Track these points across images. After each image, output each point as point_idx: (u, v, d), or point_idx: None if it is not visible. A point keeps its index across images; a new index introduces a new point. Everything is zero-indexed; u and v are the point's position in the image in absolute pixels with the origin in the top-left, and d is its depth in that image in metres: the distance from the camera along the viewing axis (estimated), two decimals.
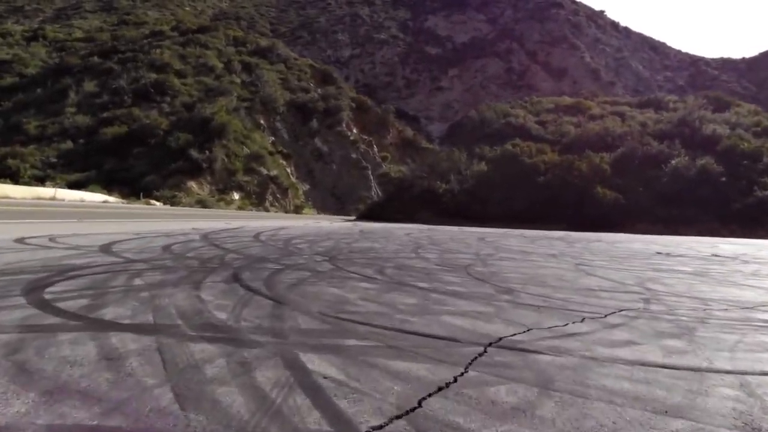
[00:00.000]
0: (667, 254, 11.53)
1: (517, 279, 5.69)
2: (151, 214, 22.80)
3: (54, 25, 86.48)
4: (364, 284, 4.68)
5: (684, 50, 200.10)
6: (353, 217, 40.97)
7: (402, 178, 38.11)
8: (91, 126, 52.25)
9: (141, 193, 37.80)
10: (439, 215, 34.84)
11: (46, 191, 29.14)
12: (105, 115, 53.55)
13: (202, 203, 41.18)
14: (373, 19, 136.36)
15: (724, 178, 32.09)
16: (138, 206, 33.39)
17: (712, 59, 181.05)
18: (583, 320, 3.39)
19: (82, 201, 30.57)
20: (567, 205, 33.10)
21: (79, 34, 79.01)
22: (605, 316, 3.62)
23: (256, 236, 11.81)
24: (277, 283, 4.35)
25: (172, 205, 39.22)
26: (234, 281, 4.26)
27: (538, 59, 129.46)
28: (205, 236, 10.42)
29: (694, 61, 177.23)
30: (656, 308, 4.12)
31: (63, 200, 29.30)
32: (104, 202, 32.69)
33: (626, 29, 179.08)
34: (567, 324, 3.23)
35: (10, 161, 46.15)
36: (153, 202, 37.65)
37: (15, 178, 42.84)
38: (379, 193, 61.72)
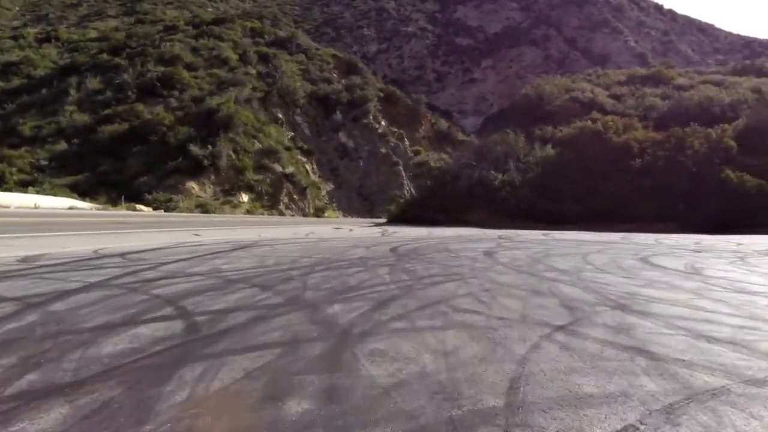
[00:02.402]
0: None
1: None
2: (124, 222, 15.03)
3: (69, 27, 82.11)
4: None
5: (734, 32, 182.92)
6: (383, 220, 32.40)
7: (444, 169, 29.09)
8: (89, 125, 45.74)
9: (123, 197, 30.36)
10: (495, 215, 25.77)
11: None
12: (106, 112, 47.07)
13: (202, 207, 33.59)
14: (399, 12, 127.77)
15: None
16: (116, 213, 25.88)
17: (767, 40, 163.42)
18: None
19: (36, 208, 23.20)
20: (676, 197, 23.43)
21: (93, 34, 73.80)
22: None
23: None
24: None
25: (166, 211, 31.81)
26: None
27: (578, 45, 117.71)
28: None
29: (747, 43, 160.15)
30: None
31: (8, 207, 21.99)
32: (70, 208, 25.27)
33: (671, 11, 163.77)
34: None
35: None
36: (140, 207, 30.17)
37: None
38: (412, 191, 52.99)
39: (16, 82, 59.11)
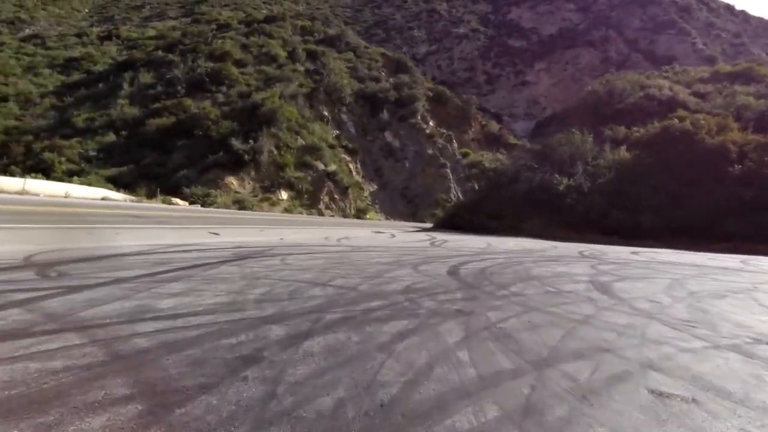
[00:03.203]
0: None
1: None
2: (144, 216, 13.26)
3: (131, 26, 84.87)
4: None
5: None
6: (428, 225, 29.53)
7: (500, 170, 25.70)
8: (138, 118, 45.82)
9: (158, 190, 29.23)
10: (557, 224, 22.29)
11: (12, 183, 20.95)
12: (155, 106, 47.08)
13: (240, 203, 32.06)
14: (451, 14, 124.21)
15: None
16: (150, 206, 24.56)
17: None
18: None
19: (66, 196, 22.14)
20: None
21: (152, 33, 75.62)
22: None
23: None
24: None
25: (203, 206, 30.49)
26: None
27: (640, 47, 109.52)
28: None
29: None
30: None
31: (37, 195, 20.99)
32: (103, 198, 24.17)
33: (743, 12, 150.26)
34: None
35: (46, 155, 40.49)
36: (176, 200, 28.94)
37: (48, 173, 36.82)
38: (459, 195, 49.74)
39: (75, 76, 61.08)
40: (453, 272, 5.97)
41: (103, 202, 22.45)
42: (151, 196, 31.45)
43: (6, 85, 58.23)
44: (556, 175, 22.70)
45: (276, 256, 6.50)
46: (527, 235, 21.23)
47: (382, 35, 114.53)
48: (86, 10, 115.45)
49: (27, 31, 79.21)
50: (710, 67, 39.57)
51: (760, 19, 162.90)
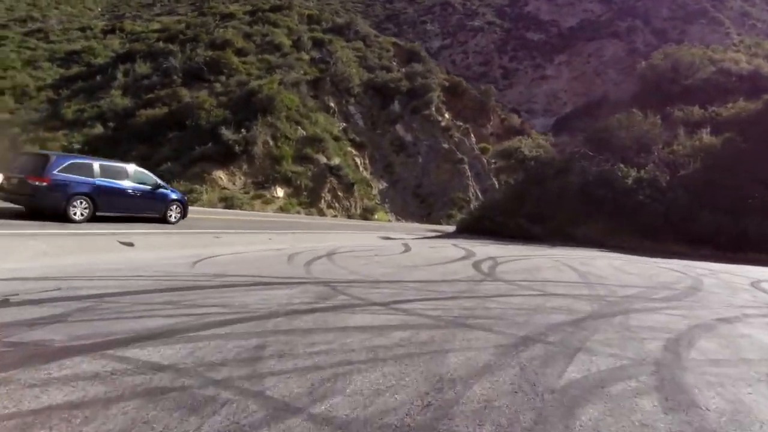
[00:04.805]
0: None
1: None
2: None
3: (135, 20, 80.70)
4: None
5: None
6: (448, 228, 23.81)
7: (544, 160, 19.53)
8: (129, 109, 41.10)
9: None
10: (625, 229, 16.38)
11: None
12: (148, 96, 42.28)
13: (227, 201, 26.80)
14: (465, 6, 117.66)
15: None
16: None
17: None
18: None
19: None
20: None
21: (156, 26, 71.18)
22: None
23: None
24: None
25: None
26: None
27: (669, 37, 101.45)
28: None
29: None
30: None
31: None
32: None
33: None
34: None
35: (27, 148, 35.98)
36: None
37: None
38: (478, 193, 43.80)
39: (75, 69, 56.84)
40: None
41: None
42: None
43: (4, 78, 54.20)
44: (621, 165, 16.81)
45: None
46: (584, 244, 15.40)
47: (394, 29, 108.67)
48: (99, 9, 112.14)
49: (31, 25, 75.39)
50: None
51: None
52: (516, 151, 21.41)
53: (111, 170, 11.11)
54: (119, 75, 47.94)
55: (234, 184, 29.02)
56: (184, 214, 13.07)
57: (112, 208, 10.90)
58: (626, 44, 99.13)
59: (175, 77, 45.42)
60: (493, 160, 48.87)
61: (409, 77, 52.34)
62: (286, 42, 53.54)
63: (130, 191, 11.23)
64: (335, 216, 30.25)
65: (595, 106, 60.27)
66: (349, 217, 31.04)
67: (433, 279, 6.07)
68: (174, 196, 12.83)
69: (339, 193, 31.97)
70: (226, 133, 29.83)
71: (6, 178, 10.15)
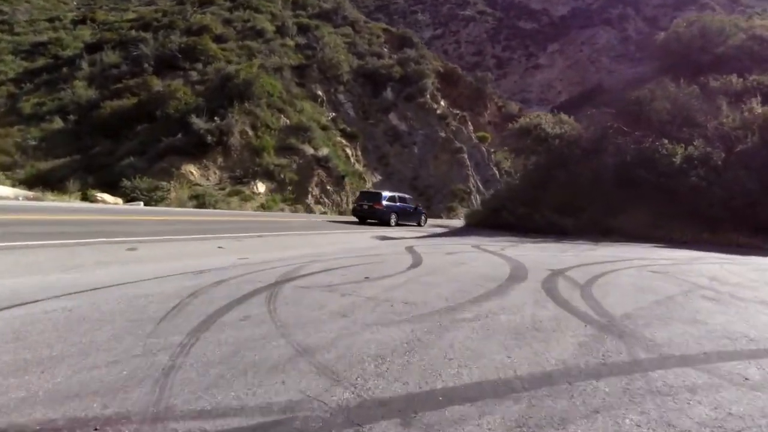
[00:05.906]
0: None
1: None
2: None
3: (111, 12, 76.32)
4: None
5: None
6: (455, 222, 20.75)
7: (570, 138, 16.33)
8: (93, 101, 37.36)
9: (70, 182, 20.75)
10: (675, 219, 13.40)
11: None
12: (115, 87, 38.62)
13: (199, 198, 23.48)
14: None
15: None
16: (49, 206, 16.06)
17: None
18: None
19: None
20: None
21: (131, 16, 67.05)
22: None
23: None
24: None
25: (147, 204, 22.05)
26: None
27: (661, 25, 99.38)
28: None
29: None
30: None
31: None
32: None
33: None
34: None
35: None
36: (103, 197, 20.34)
37: None
38: (479, 184, 40.83)
39: (41, 62, 52.73)
40: None
41: None
42: (86, 192, 22.94)
43: None
44: (666, 141, 13.83)
45: None
46: (627, 239, 12.38)
47: (385, 20, 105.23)
48: (74, 2, 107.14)
49: None
50: None
51: None
52: (535, 128, 18.18)
53: (400, 198, 20.79)
54: (85, 65, 44.02)
55: (207, 179, 25.64)
56: None
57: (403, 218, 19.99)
58: (618, 32, 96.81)
59: (146, 65, 41.63)
60: (492, 150, 45.87)
61: (402, 63, 49.09)
62: (270, 28, 49.94)
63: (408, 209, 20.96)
64: (324, 213, 27.03)
65: (561, 108, 57.73)
66: (341, 213, 27.85)
67: (516, 368, 2.61)
68: None
69: (328, 187, 28.69)
70: (198, 122, 26.37)
71: (358, 204, 19.86)
